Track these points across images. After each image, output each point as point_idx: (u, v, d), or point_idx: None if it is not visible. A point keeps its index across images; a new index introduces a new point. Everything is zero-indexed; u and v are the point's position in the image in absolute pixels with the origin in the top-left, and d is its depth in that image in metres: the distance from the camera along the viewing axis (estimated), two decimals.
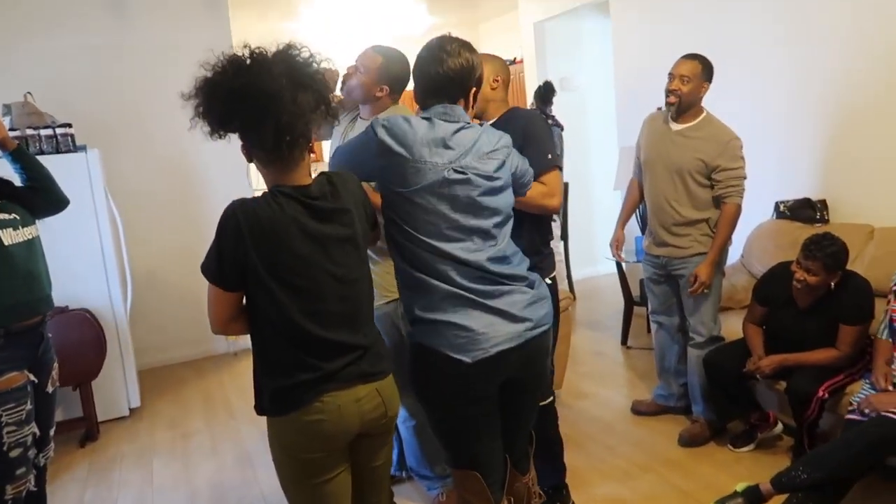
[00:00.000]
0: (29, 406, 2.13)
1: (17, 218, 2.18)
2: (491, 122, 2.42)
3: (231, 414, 3.99)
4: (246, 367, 4.81)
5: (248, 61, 1.54)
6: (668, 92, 3.00)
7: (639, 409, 3.48)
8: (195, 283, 5.12)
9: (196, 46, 5.12)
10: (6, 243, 2.09)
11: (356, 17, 6.34)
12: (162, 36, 4.84)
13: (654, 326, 3.45)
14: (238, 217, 1.51)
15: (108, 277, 3.92)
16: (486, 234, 1.83)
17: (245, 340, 5.10)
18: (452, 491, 2.68)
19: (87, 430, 3.76)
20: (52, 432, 2.39)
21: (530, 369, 1.91)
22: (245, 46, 1.57)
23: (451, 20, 6.98)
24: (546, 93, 4.86)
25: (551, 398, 2.51)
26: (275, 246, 1.53)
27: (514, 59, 6.68)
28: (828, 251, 2.65)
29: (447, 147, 1.78)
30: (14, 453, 2.08)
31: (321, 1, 5.66)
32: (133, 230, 4.28)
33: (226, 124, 1.57)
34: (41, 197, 2.32)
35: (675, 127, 3.06)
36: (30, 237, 2.21)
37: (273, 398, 1.60)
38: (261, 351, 1.63)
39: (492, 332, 1.77)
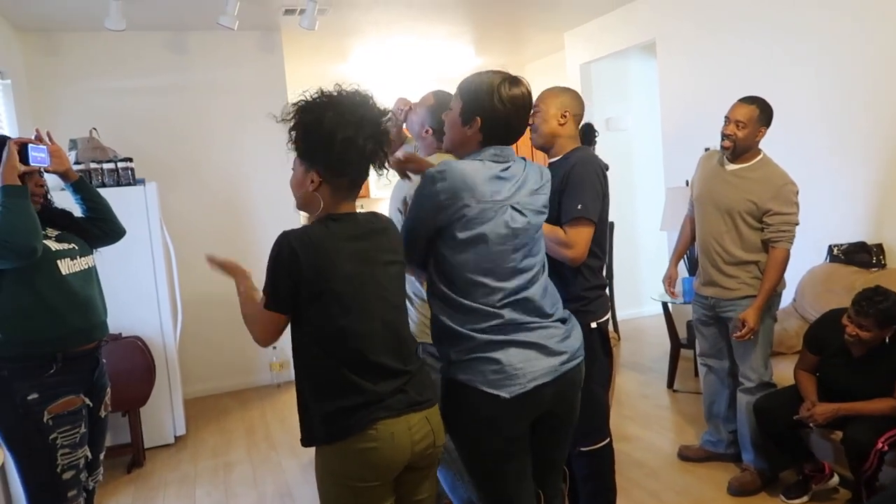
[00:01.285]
0: (83, 429, 2.17)
1: (76, 248, 2.25)
2: (555, 160, 2.42)
3: (272, 446, 4.02)
4: (289, 399, 4.86)
5: (345, 97, 1.65)
6: (724, 136, 2.97)
7: (686, 455, 3.38)
8: (241, 315, 5.18)
9: (251, 87, 5.38)
10: (63, 273, 2.15)
11: (403, 58, 6.50)
12: (219, 77, 5.05)
13: (702, 370, 3.36)
14: (290, 239, 1.58)
15: (159, 307, 4.03)
16: (536, 270, 1.84)
17: (289, 373, 5.18)
18: None
19: (133, 457, 3.83)
20: (102, 456, 2.42)
21: (564, 403, 1.88)
22: (336, 85, 1.68)
23: (497, 61, 7.09)
24: (587, 134, 4.88)
25: (607, 440, 2.45)
26: (327, 264, 1.58)
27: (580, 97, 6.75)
28: (880, 307, 2.56)
29: (503, 183, 1.78)
30: (67, 475, 2.12)
31: (371, 43, 5.82)
32: (184, 262, 4.41)
33: (305, 145, 1.66)
34: (99, 227, 2.39)
35: (730, 167, 3.02)
36: (86, 266, 2.27)
37: (325, 423, 1.60)
38: (310, 375, 1.64)
39: (528, 367, 1.75)
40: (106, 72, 4.78)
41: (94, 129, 4.20)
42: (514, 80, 1.82)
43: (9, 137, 2.17)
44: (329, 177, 1.65)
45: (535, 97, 2.08)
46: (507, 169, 1.81)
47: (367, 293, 1.64)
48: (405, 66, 6.84)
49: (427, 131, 2.54)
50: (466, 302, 1.75)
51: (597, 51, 5.78)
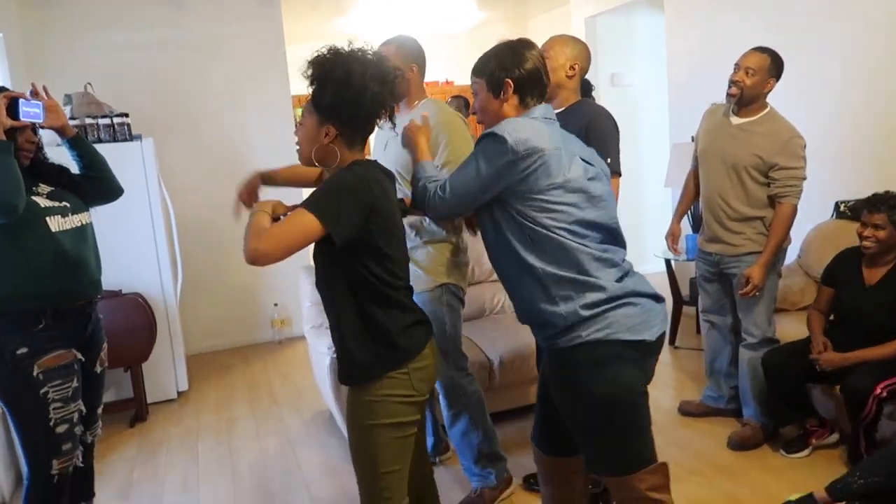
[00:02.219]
0: (75, 384, 2.16)
1: (68, 206, 2.20)
2: (556, 111, 2.37)
3: (274, 401, 4.04)
4: (290, 355, 4.88)
5: (362, 53, 1.70)
6: (731, 83, 2.89)
7: (686, 410, 3.39)
8: (242, 271, 5.21)
9: (248, 41, 5.28)
10: (53, 230, 2.11)
11: (404, 13, 6.35)
12: (216, 30, 4.94)
13: (705, 326, 3.35)
14: (357, 172, 1.65)
15: (159, 263, 4.01)
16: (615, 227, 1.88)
17: (290, 329, 5.19)
18: (485, 489, 2.67)
19: (136, 411, 3.85)
20: (99, 411, 2.43)
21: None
22: (350, 42, 1.72)
23: (499, 15, 6.94)
24: (585, 88, 4.81)
25: None
26: (384, 201, 1.68)
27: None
28: (892, 203, 2.63)
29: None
30: (60, 429, 2.11)
31: None
32: (183, 218, 4.37)
33: (335, 99, 1.67)
34: (96, 185, 2.34)
35: (736, 121, 2.96)
36: (79, 224, 2.22)
37: (390, 347, 1.71)
38: (362, 313, 1.69)
39: (652, 309, 1.80)
40: (102, 26, 4.66)
41: (89, 83, 4.12)
42: (523, 41, 1.92)
43: (2, 89, 2.10)
44: (347, 130, 1.70)
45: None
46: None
47: (399, 231, 1.78)
48: (405, 21, 6.69)
49: (412, 69, 2.43)
50: (590, 249, 1.76)
51: (602, 4, 5.64)
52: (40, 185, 2.19)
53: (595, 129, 2.29)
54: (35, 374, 2.06)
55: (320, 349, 3.23)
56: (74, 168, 2.36)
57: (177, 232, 4.22)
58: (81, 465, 2.32)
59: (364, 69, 1.65)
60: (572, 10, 6.05)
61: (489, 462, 2.68)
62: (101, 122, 3.89)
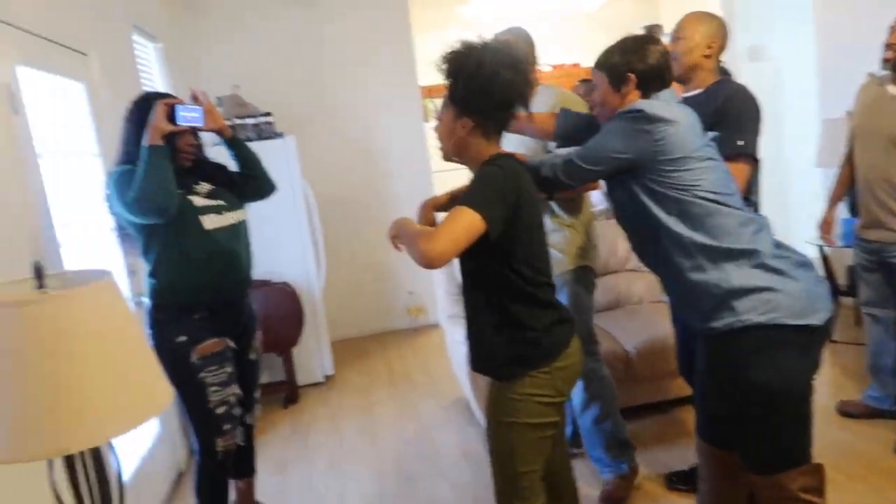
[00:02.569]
0: (230, 369, 2.32)
1: (223, 204, 2.34)
2: (693, 93, 2.27)
3: (412, 387, 4.18)
4: (426, 342, 5.02)
5: (494, 43, 1.72)
6: (887, 46, 2.62)
7: (847, 411, 3.14)
8: (379, 261, 5.38)
9: (379, 31, 5.40)
10: (207, 228, 2.25)
11: None
12: (348, 24, 5.12)
13: (867, 320, 3.07)
14: (512, 170, 1.67)
15: (304, 254, 4.25)
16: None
17: (426, 317, 5.34)
18: (619, 479, 2.63)
19: (288, 393, 4.13)
20: (257, 394, 2.60)
21: None
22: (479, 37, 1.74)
23: None
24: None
25: None
26: (527, 196, 1.69)
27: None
28: None
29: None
30: (219, 410, 2.29)
31: None
32: (324, 211, 4.60)
33: (467, 90, 1.69)
34: (251, 183, 2.49)
35: (893, 90, 2.67)
36: (234, 222, 2.36)
37: (533, 345, 1.72)
38: (504, 310, 1.72)
39: (816, 288, 1.72)
40: (245, 31, 4.98)
41: (237, 85, 4.42)
42: (647, 35, 1.92)
43: (160, 94, 2.28)
44: (481, 121, 1.71)
45: (669, 28, 2.00)
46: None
47: (541, 224, 1.79)
48: (529, 5, 6.58)
49: (711, 45, 2.39)
50: (736, 211, 1.74)
51: None
52: (201, 183, 2.36)
53: (731, 108, 2.16)
54: (193, 360, 2.23)
55: (457, 338, 3.29)
56: (233, 166, 2.52)
57: (318, 223, 4.45)
58: (243, 444, 2.51)
59: (494, 57, 1.67)
60: None
61: (620, 451, 2.64)
62: (249, 121, 4.16)
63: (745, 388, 1.71)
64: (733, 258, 1.70)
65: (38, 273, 1.31)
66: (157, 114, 2.14)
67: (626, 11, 6.77)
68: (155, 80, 4.27)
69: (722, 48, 2.32)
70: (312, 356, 4.34)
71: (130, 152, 2.20)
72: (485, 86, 1.66)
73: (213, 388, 2.26)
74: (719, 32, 2.30)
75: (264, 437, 3.65)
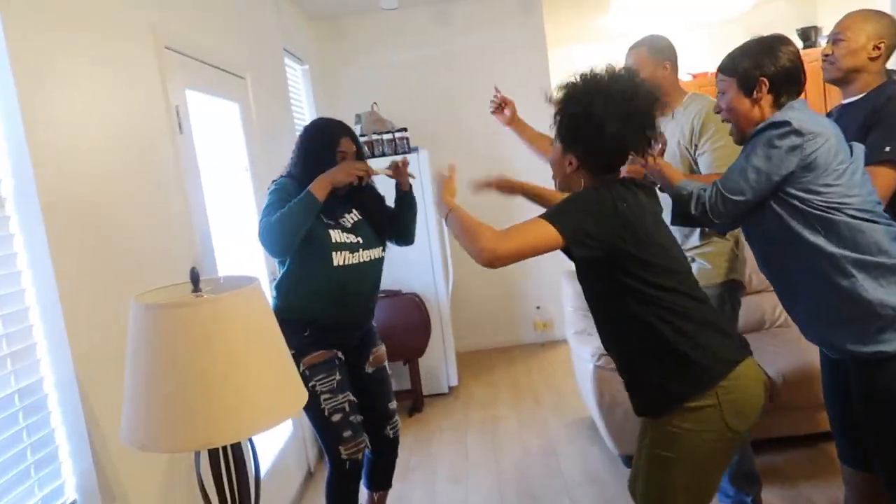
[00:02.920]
0: (338, 376, 2.35)
1: (360, 241, 2.36)
2: (852, 99, 2.11)
3: (538, 403, 4.14)
4: (553, 358, 4.96)
5: (612, 84, 1.63)
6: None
7: None
8: (507, 274, 5.36)
9: (512, 50, 5.43)
10: (335, 264, 2.31)
11: (668, 3, 6.05)
12: (482, 41, 5.20)
13: None
14: (608, 193, 1.59)
15: (433, 265, 4.34)
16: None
17: (552, 332, 5.28)
18: None
19: (413, 402, 4.23)
20: (391, 406, 2.61)
21: None
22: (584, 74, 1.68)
23: None
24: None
25: None
26: (641, 216, 1.60)
27: None
28: None
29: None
30: (335, 418, 2.30)
31: None
32: None
33: (573, 133, 1.67)
34: (396, 229, 2.56)
35: None
36: (367, 259, 2.39)
37: (694, 376, 1.54)
38: (649, 338, 1.58)
39: None
40: (382, 49, 5.20)
41: (375, 103, 4.61)
42: (779, 37, 1.80)
43: (339, 126, 2.40)
44: (588, 162, 1.67)
45: (827, 27, 1.88)
46: None
47: (667, 241, 1.67)
48: (670, 12, 6.36)
49: (665, 66, 2.42)
50: (887, 227, 1.67)
51: None
52: (353, 211, 2.42)
53: (883, 112, 1.96)
54: (301, 369, 2.27)
55: (583, 355, 3.22)
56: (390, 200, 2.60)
57: (448, 236, 4.53)
58: (370, 456, 2.55)
59: (606, 105, 1.58)
60: None
61: (746, 483, 2.46)
62: (385, 137, 4.32)
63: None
64: (889, 274, 1.61)
65: (195, 278, 1.43)
66: (339, 168, 2.28)
67: (777, 13, 6.37)
68: (302, 99, 4.56)
69: (892, 48, 2.12)
70: (438, 367, 4.41)
71: (293, 172, 2.37)
72: (592, 136, 1.61)
73: (325, 396, 2.30)
74: (889, 30, 2.10)
75: None
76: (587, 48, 7.52)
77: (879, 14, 2.12)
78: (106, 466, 1.70)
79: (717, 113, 1.91)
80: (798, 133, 1.63)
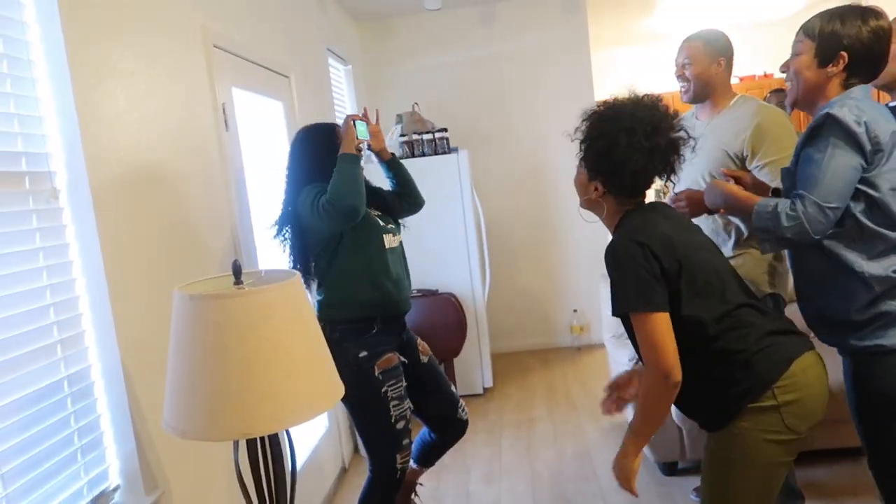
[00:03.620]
0: (405, 383, 2.37)
1: (394, 227, 2.47)
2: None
3: (573, 407, 4.10)
4: (589, 362, 4.91)
5: (637, 113, 1.63)
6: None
7: None
8: (543, 276, 5.34)
9: (555, 51, 5.41)
10: (387, 246, 2.37)
11: (715, 3, 5.95)
12: (525, 43, 5.19)
13: None
14: (641, 240, 1.56)
15: (470, 266, 4.34)
16: None
17: (588, 336, 5.23)
18: None
19: None
20: (453, 389, 2.63)
21: None
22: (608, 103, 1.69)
23: None
24: None
25: None
26: (682, 253, 1.57)
27: None
28: None
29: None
30: (399, 425, 2.29)
31: None
32: (491, 224, 4.67)
33: (597, 164, 1.69)
34: (405, 201, 2.59)
35: None
36: (398, 244, 2.48)
37: (750, 379, 1.53)
38: (704, 360, 1.57)
39: None
40: (425, 50, 5.22)
41: (416, 103, 4.64)
42: (875, 11, 1.66)
43: (330, 126, 2.43)
44: (613, 188, 1.68)
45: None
46: None
47: (715, 265, 1.63)
48: (716, 11, 6.26)
49: (719, 63, 2.34)
50: None
51: None
52: (372, 205, 2.46)
53: None
54: (376, 374, 2.27)
55: (621, 360, 3.19)
56: (386, 186, 2.62)
57: (486, 237, 4.53)
58: (440, 439, 2.59)
59: (630, 139, 1.58)
60: None
61: (787, 498, 2.40)
62: (425, 137, 4.34)
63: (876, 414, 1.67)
64: None
65: (237, 271, 1.46)
66: (349, 127, 2.30)
67: None
68: (345, 99, 4.61)
69: None
70: (473, 367, 4.41)
71: (311, 172, 2.34)
72: (615, 169, 1.63)
73: (394, 403, 2.29)
74: None
75: None
76: (632, 50, 7.46)
77: None
78: (148, 453, 1.75)
79: (783, 71, 1.83)
80: (858, 133, 1.58)
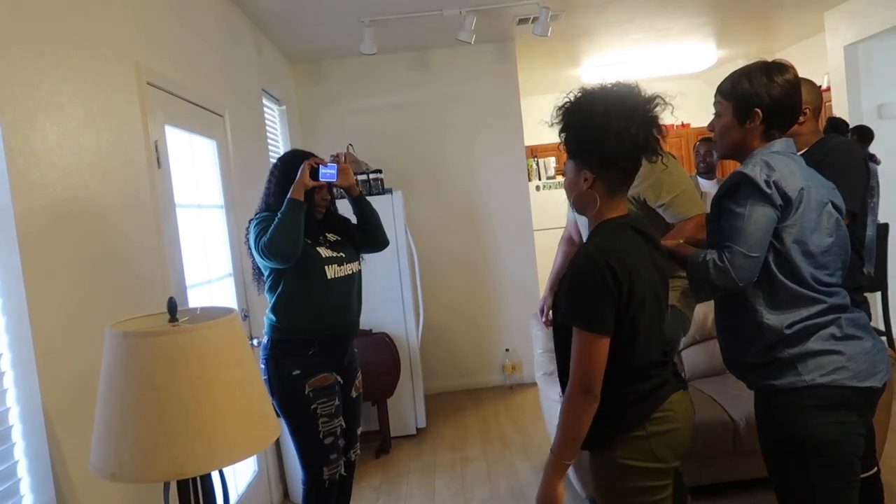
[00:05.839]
0: (337, 402, 2.49)
1: (344, 255, 2.56)
2: (801, 152, 2.22)
3: (506, 445, 4.13)
4: (521, 401, 4.96)
5: (609, 89, 1.65)
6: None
7: None
8: (475, 317, 5.40)
9: (486, 97, 5.60)
10: (329, 277, 2.47)
11: (638, 58, 6.30)
12: (456, 90, 5.33)
13: None
14: (612, 265, 1.56)
15: (404, 305, 4.36)
16: (839, 264, 1.81)
17: (521, 375, 5.29)
18: None
19: (381, 443, 4.18)
20: (359, 431, 2.76)
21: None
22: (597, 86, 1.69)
23: (741, 51, 6.56)
24: (838, 129, 4.35)
25: (875, 469, 2.17)
26: (639, 282, 1.59)
27: (819, 87, 6.05)
28: None
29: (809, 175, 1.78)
30: (328, 440, 2.45)
31: (603, 45, 5.72)
32: (425, 266, 4.71)
33: (580, 142, 1.67)
34: (368, 237, 2.71)
35: None
36: (350, 272, 2.57)
37: (621, 410, 1.62)
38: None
39: (879, 354, 1.74)
40: (360, 92, 5.29)
41: (351, 144, 4.68)
42: (780, 65, 1.80)
43: (305, 154, 2.52)
44: (602, 172, 1.64)
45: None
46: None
47: (662, 299, 1.69)
48: (639, 66, 6.63)
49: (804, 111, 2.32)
50: (811, 269, 1.75)
51: (865, 29, 5.08)
52: (328, 234, 2.58)
53: (830, 163, 2.08)
54: (307, 392, 2.41)
55: (553, 396, 3.24)
56: (353, 220, 2.72)
57: (420, 278, 4.56)
58: (344, 474, 2.63)
59: (607, 107, 1.60)
60: (828, 38, 5.52)
61: None
62: (360, 178, 4.37)
63: (795, 442, 1.72)
64: (804, 305, 1.73)
65: (172, 308, 1.44)
66: (303, 171, 2.39)
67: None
68: (278, 138, 4.61)
69: (817, 111, 2.36)
70: (407, 408, 4.38)
71: (271, 203, 2.47)
72: (597, 137, 1.60)
73: (323, 420, 2.43)
74: (811, 95, 2.35)
75: (355, 486, 3.68)
76: (558, 97, 7.79)
77: (802, 81, 2.29)
78: (69, 499, 1.66)
79: (710, 130, 1.96)
80: (770, 191, 1.68)
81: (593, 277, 1.56)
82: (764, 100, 1.76)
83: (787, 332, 1.72)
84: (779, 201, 1.69)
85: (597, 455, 1.69)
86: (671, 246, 1.94)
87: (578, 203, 1.72)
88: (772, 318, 1.73)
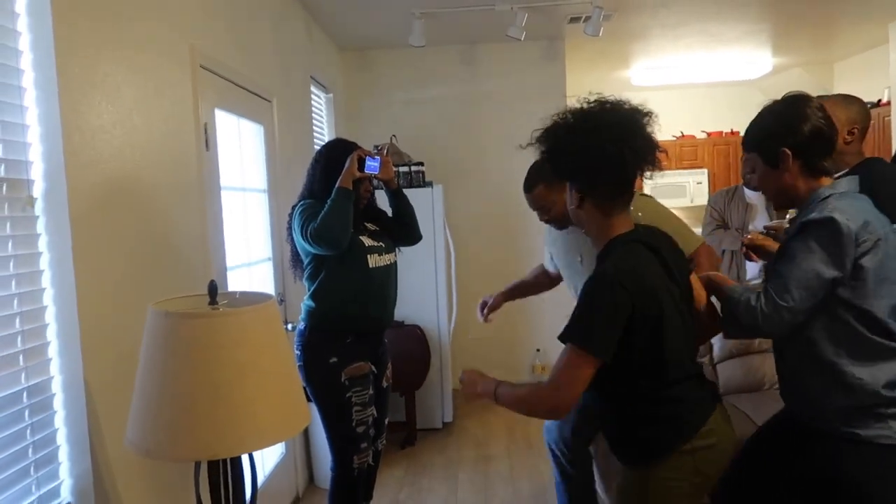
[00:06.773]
0: (371, 391, 2.53)
1: (383, 246, 2.59)
2: (840, 174, 2.15)
3: (530, 446, 4.11)
4: None
5: (596, 108, 1.62)
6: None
7: None
8: (511, 314, 5.39)
9: (533, 95, 5.53)
10: (370, 266, 2.50)
11: (690, 62, 6.18)
12: (504, 86, 5.30)
13: None
14: (626, 287, 1.51)
15: (437, 299, 4.36)
16: None
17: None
18: None
19: (407, 435, 4.20)
20: (386, 421, 2.79)
21: None
22: (588, 98, 1.66)
23: (797, 59, 6.38)
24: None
25: None
26: (656, 297, 1.55)
27: (879, 101, 5.85)
28: None
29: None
30: (360, 429, 2.49)
31: (655, 48, 5.63)
32: (461, 260, 4.71)
33: (573, 170, 1.64)
34: (403, 231, 2.74)
35: None
36: (388, 263, 2.61)
37: (663, 430, 1.59)
38: (634, 401, 1.61)
39: None
40: (406, 84, 5.30)
41: (394, 135, 4.69)
42: (788, 98, 1.72)
43: (349, 143, 2.56)
44: (588, 190, 1.63)
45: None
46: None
47: (683, 316, 1.63)
48: (691, 71, 6.50)
49: (852, 131, 2.23)
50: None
51: None
52: (368, 223, 2.62)
53: (880, 193, 1.99)
54: (343, 380, 2.44)
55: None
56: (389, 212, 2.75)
57: (455, 272, 4.56)
58: (372, 464, 2.69)
59: (585, 125, 1.58)
60: (891, 51, 5.34)
61: None
62: (402, 169, 4.39)
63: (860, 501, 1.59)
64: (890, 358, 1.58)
65: (213, 291, 1.47)
66: (352, 161, 2.43)
67: (793, 80, 6.49)
68: (323, 125, 4.65)
69: (864, 130, 2.24)
70: (434, 401, 4.40)
71: (315, 190, 2.50)
72: (578, 158, 1.58)
73: (357, 408, 2.47)
74: (861, 115, 2.24)
75: (379, 476, 3.71)
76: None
77: (851, 99, 2.22)
78: (103, 471, 1.71)
79: (747, 185, 1.88)
80: (848, 234, 1.53)
81: (603, 299, 1.51)
82: (787, 137, 1.65)
83: (886, 393, 1.56)
84: (854, 255, 1.55)
85: (636, 471, 1.63)
86: (708, 278, 1.83)
87: (575, 220, 1.73)
88: (864, 374, 1.57)
